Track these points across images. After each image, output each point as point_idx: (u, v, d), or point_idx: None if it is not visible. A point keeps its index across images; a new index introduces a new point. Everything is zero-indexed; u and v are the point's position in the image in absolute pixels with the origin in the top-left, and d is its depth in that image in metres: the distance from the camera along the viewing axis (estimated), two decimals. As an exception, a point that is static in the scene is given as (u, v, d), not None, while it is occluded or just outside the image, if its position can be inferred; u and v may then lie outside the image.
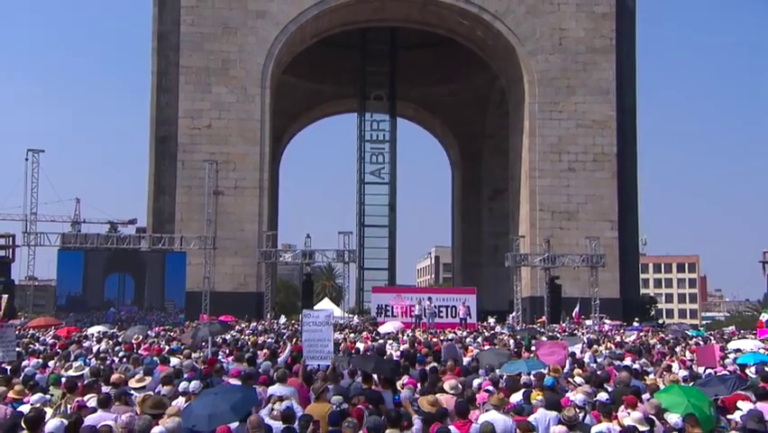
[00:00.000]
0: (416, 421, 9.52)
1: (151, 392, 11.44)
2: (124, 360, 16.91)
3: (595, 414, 10.48)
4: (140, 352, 19.04)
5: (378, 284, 54.72)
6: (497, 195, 62.99)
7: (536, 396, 11.21)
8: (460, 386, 11.81)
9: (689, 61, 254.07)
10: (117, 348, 20.65)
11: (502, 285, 53.39)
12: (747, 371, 15.68)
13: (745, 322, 69.96)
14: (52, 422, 8.88)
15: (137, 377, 12.53)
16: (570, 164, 49.71)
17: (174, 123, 48.28)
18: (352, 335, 27.19)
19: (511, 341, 24.31)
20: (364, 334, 27.66)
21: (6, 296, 40.94)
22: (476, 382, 12.77)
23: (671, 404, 10.22)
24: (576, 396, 11.14)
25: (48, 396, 11.32)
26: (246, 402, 9.65)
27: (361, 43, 62.54)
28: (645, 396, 11.71)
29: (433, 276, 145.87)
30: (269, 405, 10.74)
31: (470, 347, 21.45)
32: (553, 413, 10.16)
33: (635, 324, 39.63)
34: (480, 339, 25.65)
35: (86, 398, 10.90)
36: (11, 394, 11.12)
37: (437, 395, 10.98)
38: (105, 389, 11.64)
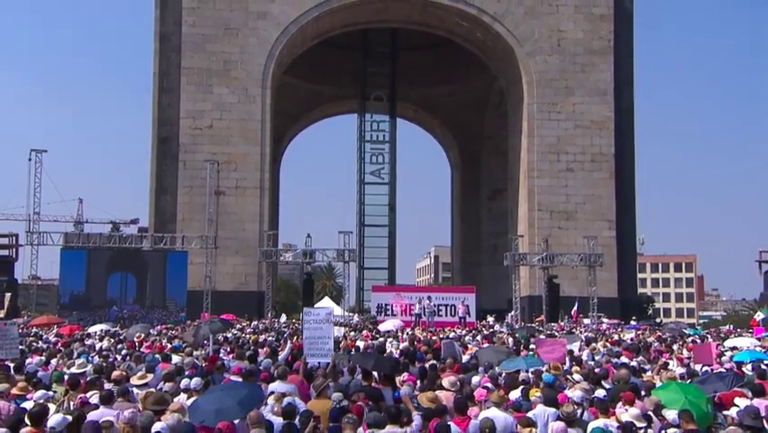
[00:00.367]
0: (416, 417, 9.59)
1: (153, 389, 11.51)
2: (127, 358, 17.01)
3: (593, 410, 10.58)
4: (142, 350, 19.11)
5: (378, 283, 54.86)
6: (496, 195, 63.06)
7: (535, 393, 11.31)
8: (459, 383, 11.89)
9: (686, 62, 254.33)
10: (120, 346, 20.72)
11: (501, 284, 53.57)
12: (744, 368, 15.82)
13: (741, 321, 70.05)
14: (55, 417, 8.90)
15: (139, 374, 12.64)
16: (568, 164, 49.87)
17: (176, 123, 48.45)
18: (352, 333, 27.27)
19: (510, 339, 24.34)
20: (364, 332, 27.73)
21: (9, 294, 41.23)
22: (475, 379, 12.85)
23: (668, 401, 10.27)
24: (574, 393, 11.21)
25: (51, 393, 11.35)
26: (253, 398, 9.75)
27: (361, 45, 62.65)
28: (643, 393, 11.79)
29: (432, 275, 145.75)
30: (271, 401, 10.80)
31: (469, 345, 21.51)
32: (552, 409, 10.24)
33: (633, 322, 39.69)
34: (479, 337, 25.71)
35: (88, 395, 10.96)
36: (14, 391, 11.18)
37: (436, 392, 11.05)
38: (107, 386, 11.73)
